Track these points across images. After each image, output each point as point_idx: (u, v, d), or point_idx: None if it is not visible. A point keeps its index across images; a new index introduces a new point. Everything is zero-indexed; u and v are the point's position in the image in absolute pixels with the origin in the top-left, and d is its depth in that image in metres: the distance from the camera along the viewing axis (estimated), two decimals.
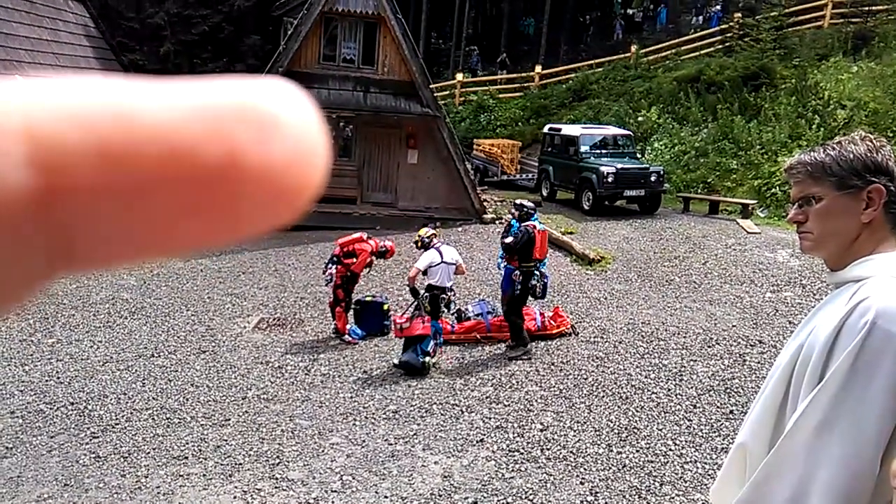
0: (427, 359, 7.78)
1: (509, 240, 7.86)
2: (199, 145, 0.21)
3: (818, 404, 1.46)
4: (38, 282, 0.21)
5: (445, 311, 8.12)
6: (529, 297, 8.13)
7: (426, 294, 7.96)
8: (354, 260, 8.64)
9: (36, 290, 0.22)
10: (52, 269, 0.21)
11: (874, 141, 1.65)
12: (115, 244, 0.21)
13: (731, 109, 17.76)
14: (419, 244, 8.15)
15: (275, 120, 0.22)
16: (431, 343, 7.89)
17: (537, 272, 7.97)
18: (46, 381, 7.95)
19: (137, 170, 0.20)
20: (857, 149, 1.62)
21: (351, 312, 9.12)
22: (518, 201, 8.38)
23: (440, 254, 7.93)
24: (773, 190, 14.76)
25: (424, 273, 7.93)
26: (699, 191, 16.23)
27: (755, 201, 14.63)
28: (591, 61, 24.73)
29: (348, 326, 8.98)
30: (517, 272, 7.93)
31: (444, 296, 7.96)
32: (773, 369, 1.71)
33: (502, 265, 9.32)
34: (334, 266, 8.71)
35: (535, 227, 8.00)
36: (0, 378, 8.00)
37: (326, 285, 9.10)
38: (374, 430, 6.55)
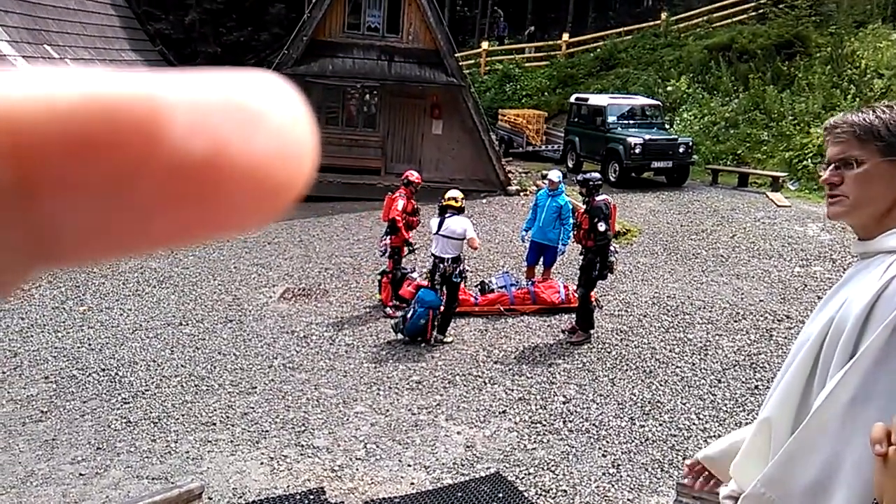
0: (436, 334, 7.79)
1: (603, 227, 7.37)
2: (182, 139, 0.20)
3: (851, 379, 1.41)
4: (20, 276, 0.21)
5: (458, 280, 7.91)
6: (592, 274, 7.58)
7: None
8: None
9: (15, 287, 0.21)
10: (33, 262, 0.21)
11: None
12: (94, 239, 0.21)
13: (763, 79, 17.33)
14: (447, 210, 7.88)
15: (260, 115, 0.21)
16: (420, 311, 7.77)
17: (612, 247, 7.64)
18: (78, 347, 8.14)
19: (116, 163, 0.20)
20: None
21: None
22: (586, 176, 7.92)
23: (436, 225, 7.85)
24: (805, 162, 14.44)
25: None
26: (728, 163, 15.92)
27: (786, 174, 14.34)
28: (620, 29, 24.21)
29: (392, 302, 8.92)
30: (591, 253, 7.49)
31: (440, 265, 7.85)
32: (799, 342, 1.65)
33: (526, 238, 9.30)
34: (388, 237, 8.72)
35: (608, 200, 7.68)
36: (34, 344, 8.21)
37: (382, 256, 9.12)
38: (397, 399, 6.62)
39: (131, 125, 0.20)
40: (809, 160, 14.32)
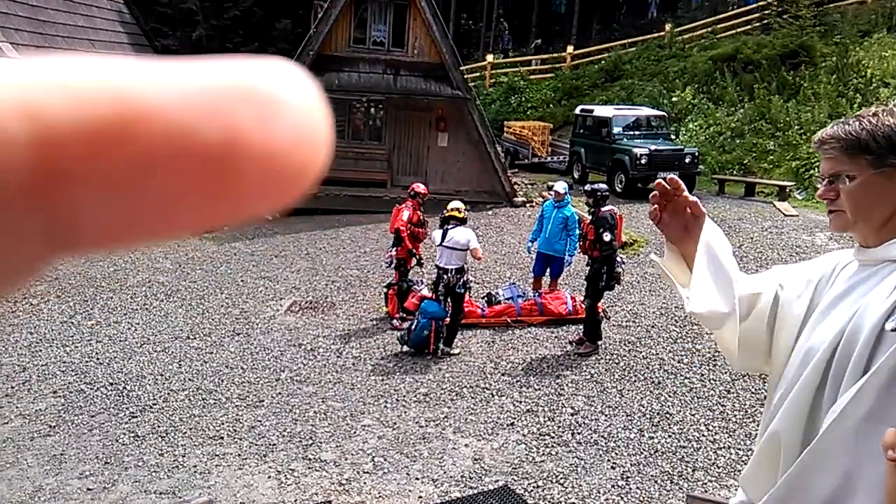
0: (443, 346, 7.80)
1: (608, 237, 7.38)
2: (199, 125, 0.20)
3: (866, 394, 1.38)
4: (38, 263, 0.21)
5: (462, 291, 7.90)
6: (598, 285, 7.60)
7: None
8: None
9: (36, 272, 0.21)
10: (51, 250, 0.21)
11: None
12: (115, 225, 0.21)
13: (768, 89, 17.32)
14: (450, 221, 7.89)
15: (276, 100, 0.22)
16: (423, 322, 7.79)
17: (618, 258, 7.63)
18: (87, 361, 8.16)
19: (137, 150, 0.20)
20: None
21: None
22: (591, 186, 7.93)
23: (440, 236, 7.85)
24: (812, 171, 14.39)
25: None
26: (735, 172, 15.89)
27: (793, 183, 14.30)
28: (624, 41, 24.29)
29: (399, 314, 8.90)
30: (597, 264, 7.49)
31: (444, 276, 7.84)
32: (805, 351, 1.60)
33: (532, 249, 9.30)
34: (394, 248, 8.73)
35: (614, 211, 7.70)
36: (43, 359, 8.24)
37: (388, 267, 9.13)
38: (405, 412, 6.60)
39: (150, 113, 0.20)
40: (816, 169, 14.24)
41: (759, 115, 16.79)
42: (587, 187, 8.06)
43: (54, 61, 0.20)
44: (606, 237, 7.39)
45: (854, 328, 1.47)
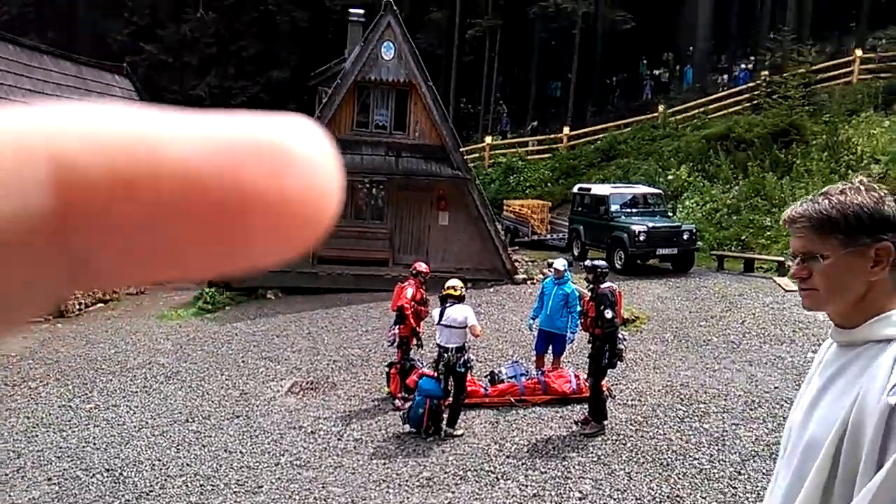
0: (445, 427, 7.71)
1: (609, 314, 7.36)
2: (213, 176, 0.22)
3: (888, 487, 1.31)
4: (58, 297, 0.23)
5: (462, 370, 7.84)
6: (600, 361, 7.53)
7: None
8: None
9: (56, 304, 0.24)
10: (63, 286, 0.23)
11: (878, 190, 1.54)
12: (126, 268, 0.23)
13: (762, 166, 17.69)
14: (448, 299, 7.91)
15: (289, 153, 0.23)
16: (418, 400, 7.75)
17: (620, 334, 7.57)
18: (83, 447, 8.01)
19: (153, 197, 0.21)
20: (864, 199, 1.52)
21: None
22: (591, 262, 7.98)
23: (437, 315, 7.86)
24: None
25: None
26: (733, 248, 16.04)
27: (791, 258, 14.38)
28: (619, 122, 25.00)
29: (401, 393, 8.77)
30: (598, 341, 7.45)
31: (445, 355, 7.79)
32: (805, 445, 1.54)
33: (534, 326, 9.27)
34: (397, 327, 8.72)
35: (613, 287, 7.72)
36: (39, 444, 8.09)
37: (390, 346, 9.08)
38: (407, 498, 6.43)
39: (167, 163, 0.21)
40: None
41: (754, 192, 17.08)
42: (587, 263, 8.12)
43: (79, 108, 0.22)
44: (608, 314, 7.39)
45: (858, 418, 1.41)
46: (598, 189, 17.03)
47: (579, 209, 17.31)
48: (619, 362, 7.69)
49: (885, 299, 1.52)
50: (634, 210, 15.97)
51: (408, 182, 16.57)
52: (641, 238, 14.63)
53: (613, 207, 15.84)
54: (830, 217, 1.53)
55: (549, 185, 23.04)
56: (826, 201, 1.56)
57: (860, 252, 1.51)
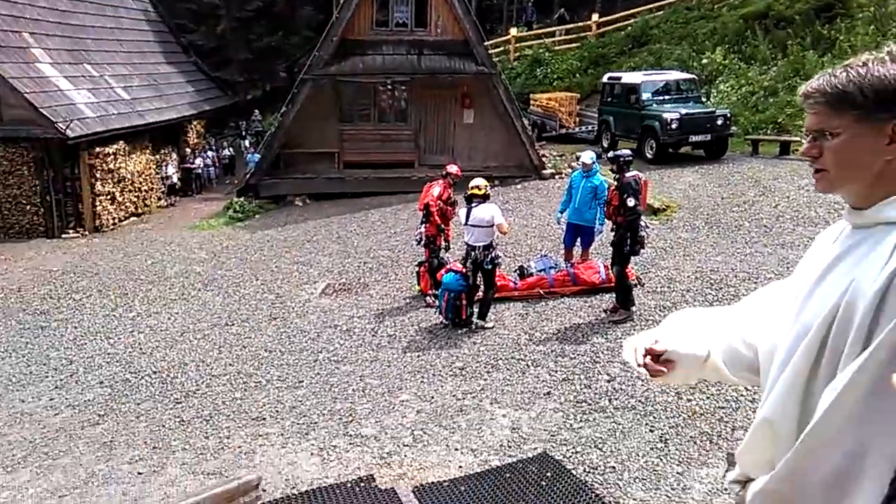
0: (476, 320, 7.87)
1: (632, 203, 7.34)
2: None
3: (868, 369, 1.28)
4: None
5: (490, 267, 7.89)
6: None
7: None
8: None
9: None
10: None
11: None
12: None
13: (802, 44, 16.78)
14: (473, 199, 7.86)
15: None
16: (440, 293, 8.03)
17: (643, 222, 7.55)
18: (130, 352, 8.39)
19: None
20: (887, 71, 1.37)
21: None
22: (614, 153, 7.92)
23: (464, 215, 7.81)
24: None
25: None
26: (769, 132, 15.48)
27: None
28: (651, 5, 23.75)
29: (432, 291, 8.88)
30: (621, 229, 7.46)
31: (472, 253, 7.81)
32: (797, 330, 1.49)
33: (562, 220, 9.22)
34: (423, 225, 8.78)
35: (639, 176, 7.64)
36: (88, 351, 8.49)
37: (417, 245, 9.16)
38: (441, 386, 6.64)
39: None
40: None
41: (794, 72, 16.28)
42: (610, 154, 7.99)
43: None
44: (630, 202, 7.33)
45: (850, 302, 1.36)
46: (629, 77, 16.42)
47: (609, 99, 16.78)
48: (641, 249, 7.67)
49: None
50: (667, 97, 15.42)
51: (431, 81, 16.18)
52: (674, 126, 14.21)
53: (645, 96, 15.31)
54: (846, 91, 1.40)
55: (577, 76, 22.26)
56: (845, 74, 1.42)
57: (876, 128, 1.38)
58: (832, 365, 1.39)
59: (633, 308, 7.67)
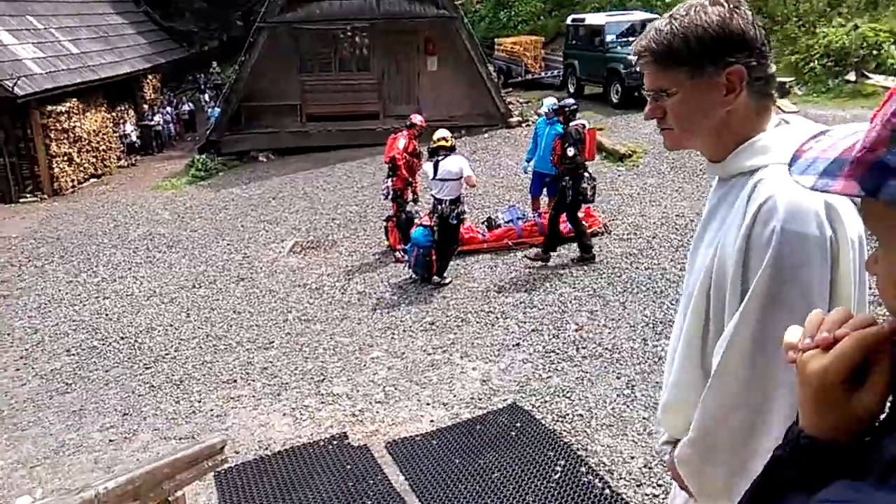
0: (435, 276, 7.87)
1: (571, 152, 7.37)
2: None
3: (747, 324, 1.31)
4: None
5: (455, 222, 7.85)
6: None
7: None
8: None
9: None
10: None
11: (727, 2, 1.36)
12: None
13: None
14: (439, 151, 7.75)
15: None
16: (409, 249, 7.96)
17: (587, 174, 7.61)
18: (96, 318, 8.27)
19: None
20: (709, 18, 1.34)
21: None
22: (561, 102, 7.99)
23: (431, 169, 7.70)
24: (812, 65, 14.01)
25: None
26: None
27: (792, 78, 13.93)
28: None
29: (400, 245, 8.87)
30: (566, 178, 7.52)
31: (439, 207, 7.73)
32: (685, 298, 1.54)
33: (528, 169, 9.19)
34: (389, 179, 8.67)
35: (584, 126, 7.67)
36: (53, 319, 8.35)
37: (385, 199, 9.08)
38: (412, 342, 6.69)
39: None
40: (816, 62, 13.88)
41: (756, 10, 16.11)
42: (559, 103, 8.09)
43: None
44: (570, 152, 7.40)
45: (721, 262, 1.39)
46: (593, 19, 16.22)
47: (573, 42, 16.58)
48: (582, 201, 7.69)
49: (748, 126, 1.40)
50: (632, 39, 15.23)
51: (392, 26, 15.78)
52: (639, 68, 14.12)
53: (609, 38, 15.15)
54: (672, 46, 1.38)
55: (542, 18, 21.92)
56: (669, 26, 1.39)
57: (709, 82, 1.36)
58: (719, 327, 1.42)
59: (554, 253, 7.84)
